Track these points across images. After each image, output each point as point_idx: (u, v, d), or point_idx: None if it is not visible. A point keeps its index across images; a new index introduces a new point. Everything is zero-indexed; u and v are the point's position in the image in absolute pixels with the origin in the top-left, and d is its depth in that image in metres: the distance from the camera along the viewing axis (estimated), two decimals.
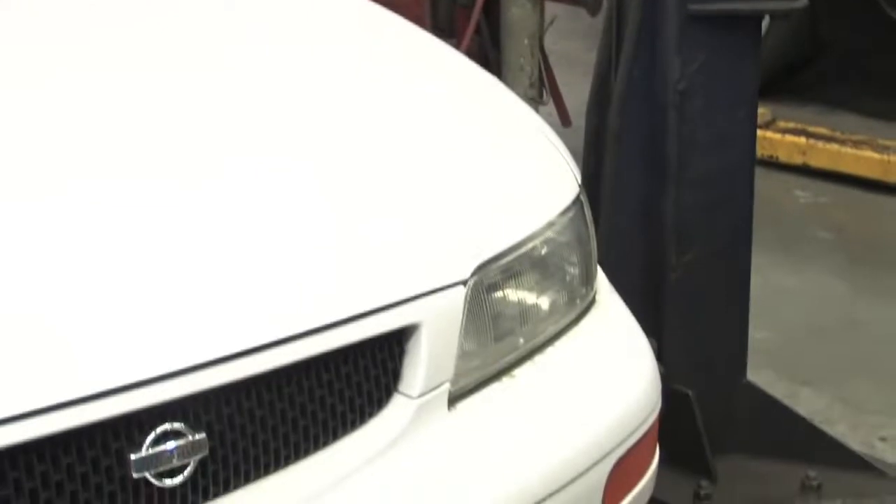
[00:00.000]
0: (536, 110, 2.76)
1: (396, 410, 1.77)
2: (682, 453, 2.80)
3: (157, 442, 1.57)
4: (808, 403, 3.29)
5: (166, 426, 1.58)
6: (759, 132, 3.57)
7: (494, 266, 1.91)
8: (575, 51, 5.42)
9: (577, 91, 4.24)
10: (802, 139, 4.82)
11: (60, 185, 1.72)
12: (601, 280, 2.18)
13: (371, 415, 1.76)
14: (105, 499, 1.55)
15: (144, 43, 2.04)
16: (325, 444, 1.72)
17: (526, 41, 4.07)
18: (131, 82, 1.91)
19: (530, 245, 1.97)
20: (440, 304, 1.80)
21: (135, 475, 1.56)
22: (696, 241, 2.89)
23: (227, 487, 1.63)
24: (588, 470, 1.91)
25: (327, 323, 1.69)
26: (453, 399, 1.84)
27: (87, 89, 1.88)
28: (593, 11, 4.03)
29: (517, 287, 1.96)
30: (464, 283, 1.84)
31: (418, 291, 1.78)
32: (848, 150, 4.73)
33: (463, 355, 1.84)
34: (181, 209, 1.74)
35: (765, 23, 4.20)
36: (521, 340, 1.96)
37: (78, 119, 1.83)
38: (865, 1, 5.17)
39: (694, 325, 2.94)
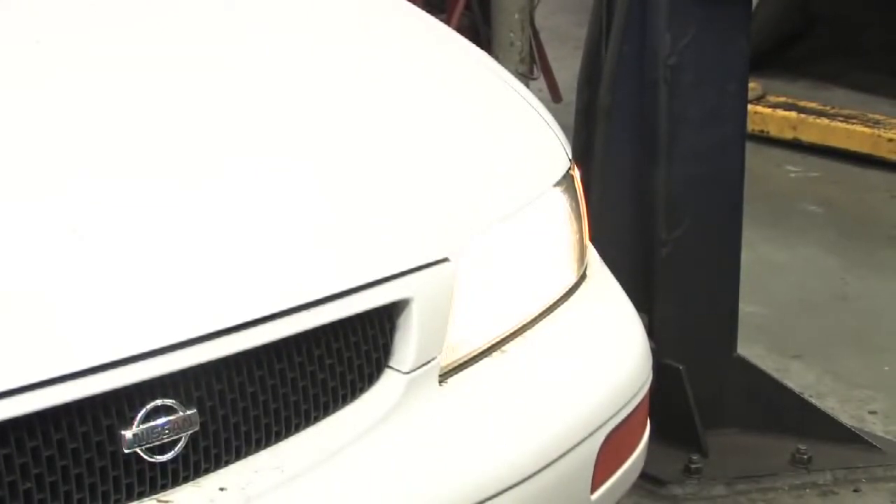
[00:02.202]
0: (527, 86, 2.76)
1: (387, 385, 1.77)
2: (672, 427, 2.81)
3: (148, 418, 1.57)
4: (798, 377, 3.30)
5: (157, 402, 1.58)
6: (750, 107, 3.59)
7: (485, 240, 1.91)
8: (565, 26, 5.41)
9: (567, 66, 4.24)
10: (793, 114, 4.82)
11: (55, 167, 1.72)
12: (592, 255, 2.18)
13: (362, 390, 1.76)
14: (96, 474, 1.55)
15: (143, 41, 2.04)
16: (317, 419, 1.72)
17: (516, 16, 4.07)
18: (131, 81, 1.91)
19: (521, 219, 1.97)
20: (431, 278, 1.81)
21: (126, 451, 1.56)
22: (686, 216, 2.90)
23: (218, 463, 1.64)
24: (579, 444, 1.91)
25: (318, 298, 1.69)
26: (444, 374, 1.84)
27: (87, 88, 1.88)
28: None
29: (508, 261, 1.96)
30: (454, 257, 1.84)
31: (409, 266, 1.79)
32: (838, 124, 4.73)
33: (454, 330, 1.84)
34: (171, 190, 1.74)
35: None
36: (512, 315, 1.96)
37: (77, 116, 1.82)
38: None
39: (685, 299, 2.95)
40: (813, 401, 3.11)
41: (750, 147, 3.06)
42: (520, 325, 1.97)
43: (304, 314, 1.68)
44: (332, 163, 1.87)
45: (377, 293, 1.75)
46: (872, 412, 3.21)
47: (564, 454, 1.89)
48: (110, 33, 2.04)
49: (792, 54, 5.48)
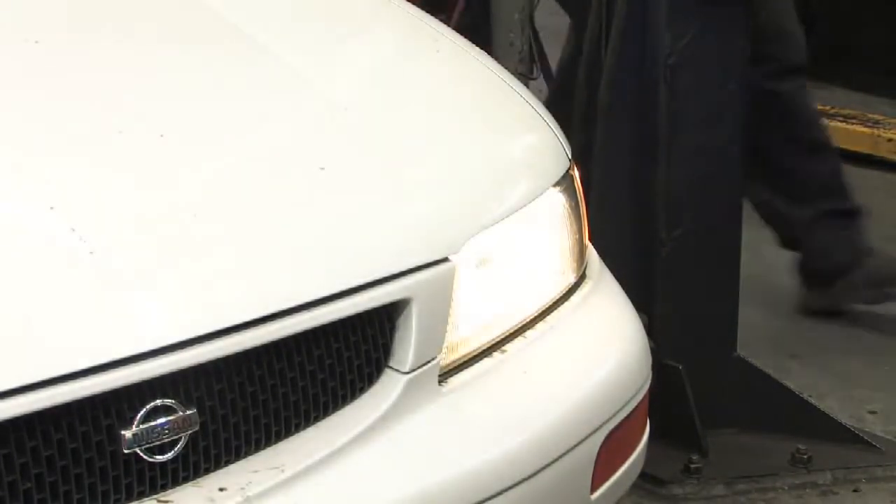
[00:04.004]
0: (527, 86, 2.76)
1: (387, 385, 1.77)
2: (672, 427, 2.81)
3: (147, 418, 1.57)
4: (797, 377, 3.30)
5: (157, 402, 1.58)
6: None
7: (485, 240, 1.91)
8: (566, 26, 5.40)
9: None
10: None
11: (55, 167, 1.72)
12: (592, 255, 2.18)
13: (362, 390, 1.76)
14: (96, 474, 1.55)
15: (145, 42, 2.04)
16: (317, 419, 1.72)
17: (516, 16, 4.07)
18: (131, 82, 1.91)
19: (521, 219, 1.97)
20: (430, 279, 1.81)
21: (126, 451, 1.56)
22: (686, 215, 2.90)
23: (217, 463, 1.64)
24: (579, 444, 1.91)
25: (317, 298, 1.69)
26: (444, 374, 1.84)
27: (84, 89, 1.88)
28: None
29: (508, 261, 1.96)
30: (454, 257, 1.84)
31: (408, 266, 1.79)
32: (838, 124, 4.73)
33: (453, 330, 1.85)
34: (170, 190, 1.74)
35: None
36: (511, 316, 1.97)
37: (76, 116, 1.82)
38: None
39: (684, 299, 2.95)
40: (812, 401, 3.11)
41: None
42: (519, 325, 1.97)
43: (304, 314, 1.68)
44: (331, 163, 1.87)
45: (376, 293, 1.75)
46: (872, 412, 3.21)
47: (564, 454, 1.89)
48: (109, 35, 2.04)
49: None
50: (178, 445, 1.60)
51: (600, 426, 1.95)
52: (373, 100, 2.04)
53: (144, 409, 1.57)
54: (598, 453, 1.95)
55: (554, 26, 5.20)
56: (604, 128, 2.89)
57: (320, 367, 1.72)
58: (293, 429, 1.70)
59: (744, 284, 3.04)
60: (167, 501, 1.59)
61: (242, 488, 1.63)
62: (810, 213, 3.55)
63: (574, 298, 2.07)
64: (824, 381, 3.32)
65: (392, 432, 1.75)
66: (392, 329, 1.78)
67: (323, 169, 1.85)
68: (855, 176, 4.58)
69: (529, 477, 1.84)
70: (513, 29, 4.05)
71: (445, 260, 1.83)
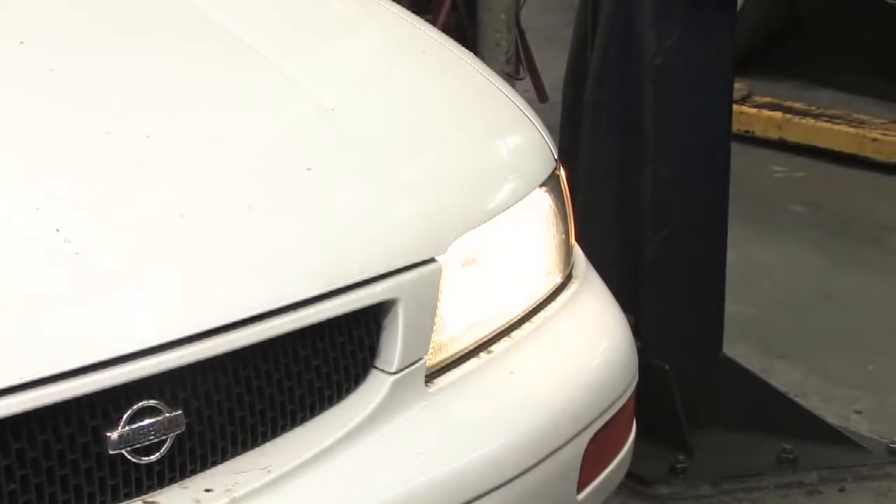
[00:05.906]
0: (513, 86, 2.76)
1: (373, 386, 1.77)
2: (659, 427, 2.82)
3: (133, 419, 1.57)
4: (783, 376, 3.31)
5: (143, 403, 1.58)
6: (735, 107, 3.59)
7: (472, 240, 1.91)
8: (552, 26, 5.41)
9: (553, 67, 4.24)
10: (778, 114, 4.83)
11: (41, 168, 1.72)
12: (578, 256, 2.19)
13: (348, 391, 1.76)
14: (82, 476, 1.55)
15: (134, 45, 2.04)
16: (303, 419, 1.72)
17: (502, 16, 4.07)
18: (121, 84, 1.91)
19: (506, 220, 1.98)
20: (417, 279, 1.81)
21: (111, 452, 1.56)
22: (672, 215, 2.90)
23: (204, 464, 1.64)
24: (565, 444, 1.92)
25: (303, 299, 1.69)
26: (430, 375, 1.85)
27: (75, 90, 1.87)
28: None
29: (494, 261, 1.96)
30: (440, 258, 1.84)
31: (395, 267, 1.79)
32: (823, 124, 4.74)
33: (440, 331, 1.85)
34: (158, 192, 1.74)
35: None
36: (498, 316, 1.97)
37: (68, 117, 1.82)
38: None
39: (670, 299, 2.95)
40: (798, 400, 3.12)
41: (735, 147, 3.06)
42: (506, 326, 1.97)
43: (290, 315, 1.68)
44: (318, 163, 1.87)
45: (363, 294, 1.75)
46: (858, 411, 3.22)
47: (551, 454, 1.89)
48: (96, 36, 2.03)
49: (777, 55, 5.49)
50: (164, 447, 1.59)
51: (587, 426, 1.95)
52: (359, 101, 2.04)
53: (130, 411, 1.57)
54: (585, 453, 1.95)
55: (540, 26, 5.21)
56: (590, 128, 2.89)
57: (306, 367, 1.72)
58: (279, 430, 1.70)
59: (730, 284, 3.05)
60: (153, 503, 1.59)
61: (228, 489, 1.62)
62: None
63: (560, 298, 2.07)
64: (810, 381, 3.33)
65: (379, 433, 1.75)
66: (378, 330, 1.78)
67: (310, 170, 1.85)
68: (841, 176, 4.62)
69: (516, 477, 1.84)
70: (499, 29, 4.06)
71: (432, 260, 1.83)
